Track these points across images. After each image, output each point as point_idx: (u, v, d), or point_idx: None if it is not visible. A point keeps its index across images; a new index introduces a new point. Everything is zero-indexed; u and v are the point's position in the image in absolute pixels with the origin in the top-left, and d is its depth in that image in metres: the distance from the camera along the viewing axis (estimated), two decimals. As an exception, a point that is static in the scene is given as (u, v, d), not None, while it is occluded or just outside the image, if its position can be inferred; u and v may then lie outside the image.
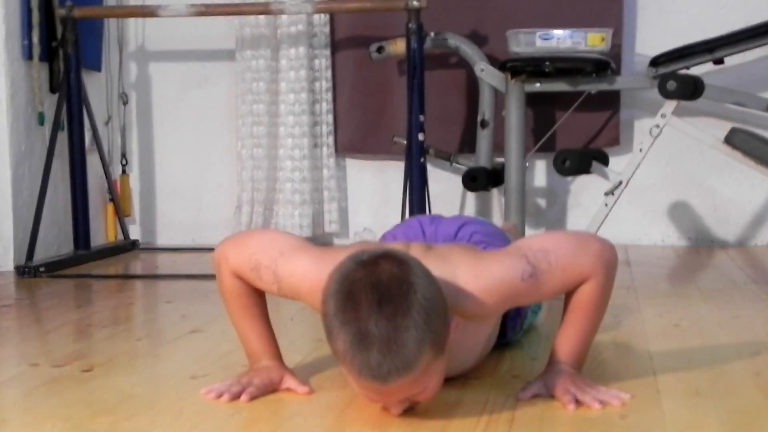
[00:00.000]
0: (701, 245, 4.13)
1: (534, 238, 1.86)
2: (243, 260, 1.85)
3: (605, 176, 3.24)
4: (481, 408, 1.76)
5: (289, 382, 1.86)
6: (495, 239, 2.17)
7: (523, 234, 3.64)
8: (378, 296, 1.51)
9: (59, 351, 2.30)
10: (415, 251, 1.77)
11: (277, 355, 1.92)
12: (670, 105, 3.16)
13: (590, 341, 1.86)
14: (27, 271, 3.48)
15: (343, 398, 1.83)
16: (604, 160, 3.35)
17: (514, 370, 2.03)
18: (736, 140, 3.02)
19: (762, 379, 1.93)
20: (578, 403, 1.74)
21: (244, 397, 1.79)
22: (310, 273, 1.74)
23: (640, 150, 3.24)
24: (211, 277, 3.29)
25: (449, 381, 1.92)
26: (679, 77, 3.13)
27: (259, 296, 1.91)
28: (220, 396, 1.81)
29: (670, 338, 2.35)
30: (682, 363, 2.08)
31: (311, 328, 2.50)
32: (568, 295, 1.83)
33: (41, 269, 3.50)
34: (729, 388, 1.88)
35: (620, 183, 3.21)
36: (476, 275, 1.73)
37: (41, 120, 3.77)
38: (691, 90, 3.12)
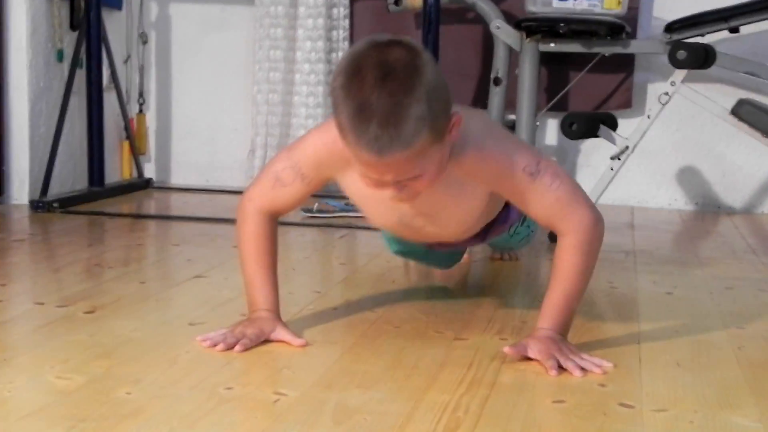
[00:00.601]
0: (707, 211, 4.15)
1: (553, 162, 1.90)
2: (264, 185, 1.93)
3: (612, 141, 3.25)
4: (466, 369, 1.79)
5: (282, 333, 1.91)
6: None
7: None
8: (383, 73, 1.56)
9: (65, 290, 2.34)
10: None
11: (275, 307, 1.96)
12: (680, 73, 3.17)
13: (574, 307, 1.90)
14: (41, 205, 3.54)
15: (333, 354, 1.87)
16: (613, 124, 3.35)
17: (502, 333, 2.07)
18: (742, 112, 3.02)
19: (743, 354, 1.96)
20: (561, 368, 1.79)
21: (238, 348, 1.84)
22: (323, 140, 1.81)
23: (648, 116, 3.24)
24: (219, 220, 3.37)
25: (435, 335, 1.97)
26: (689, 46, 3.12)
27: (273, 243, 1.96)
28: (214, 345, 1.86)
29: (660, 306, 2.37)
30: (668, 333, 2.11)
31: (311, 279, 2.55)
32: (553, 260, 1.88)
33: (55, 204, 3.56)
34: (710, 361, 1.91)
35: (626, 148, 3.23)
36: (490, 135, 1.82)
37: (60, 57, 3.81)
38: (701, 59, 3.12)
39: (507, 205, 2.18)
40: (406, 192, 1.73)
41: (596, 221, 1.86)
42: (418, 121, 1.57)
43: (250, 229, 1.94)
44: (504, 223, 2.26)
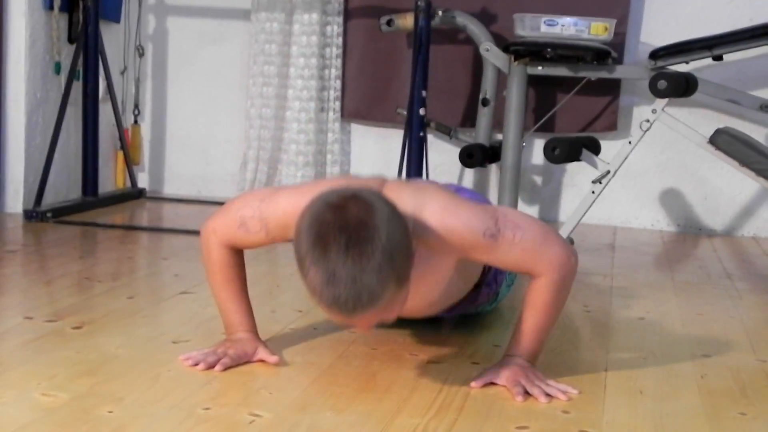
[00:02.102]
0: (689, 232, 4.21)
1: (516, 211, 1.95)
2: (229, 222, 1.95)
3: (594, 165, 3.31)
4: (436, 393, 1.85)
5: (262, 354, 1.97)
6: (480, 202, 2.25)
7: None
8: (345, 239, 1.60)
9: (55, 304, 2.39)
10: (391, 185, 1.87)
11: (253, 328, 2.02)
12: (662, 102, 3.22)
13: (545, 337, 1.95)
14: (35, 215, 3.58)
15: (309, 375, 1.92)
16: (595, 148, 3.42)
17: (475, 357, 2.12)
18: (719, 141, 3.08)
19: (705, 382, 2.01)
20: (527, 395, 1.84)
21: (218, 368, 1.90)
22: (293, 205, 1.81)
23: (630, 142, 3.30)
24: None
25: (409, 358, 2.03)
26: (670, 76, 3.18)
27: (241, 270, 2.02)
28: (196, 364, 1.91)
29: (631, 332, 2.42)
30: (634, 360, 2.16)
31: (295, 297, 2.58)
32: (527, 291, 1.92)
33: (48, 214, 3.60)
34: (672, 389, 1.96)
35: (608, 172, 3.29)
36: (444, 210, 1.83)
37: (57, 69, 3.85)
38: (682, 89, 3.17)
39: (478, 286, 2.24)
40: (372, 327, 1.78)
41: (567, 258, 1.90)
42: (382, 281, 1.61)
43: (216, 260, 1.99)
44: (473, 302, 2.29)
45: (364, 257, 1.60)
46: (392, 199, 1.73)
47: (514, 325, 1.96)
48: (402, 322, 2.36)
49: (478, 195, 2.42)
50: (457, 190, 2.33)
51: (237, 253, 2.01)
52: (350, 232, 1.61)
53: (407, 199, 1.79)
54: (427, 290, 2.00)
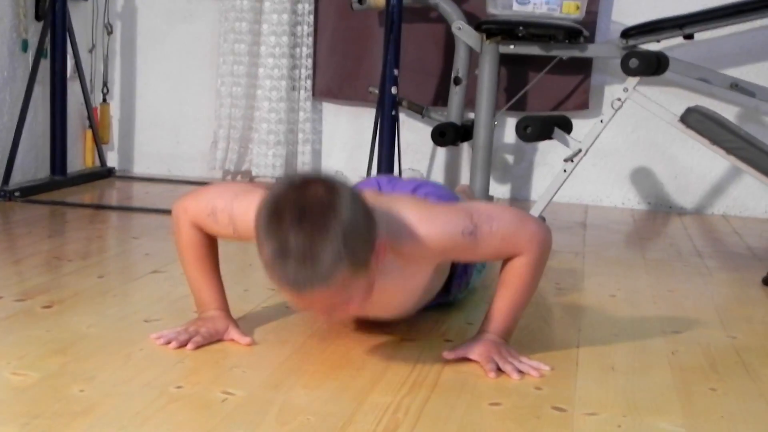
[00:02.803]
0: (659, 210, 4.24)
1: (483, 203, 1.96)
2: (201, 208, 1.94)
3: (566, 143, 3.32)
4: (410, 370, 1.86)
5: (233, 333, 1.97)
6: (448, 200, 2.25)
7: (483, 193, 3.73)
8: (299, 214, 1.58)
9: (24, 283, 2.38)
10: (366, 194, 1.82)
11: (224, 306, 2.02)
12: (633, 80, 3.23)
13: (519, 314, 1.97)
14: (2, 194, 3.56)
15: (282, 353, 1.93)
16: (567, 127, 3.43)
17: (448, 334, 2.13)
18: (690, 120, 3.09)
19: (676, 358, 2.04)
20: (500, 371, 1.85)
21: (189, 346, 1.90)
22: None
23: (601, 121, 3.31)
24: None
25: (384, 329, 2.04)
26: (641, 55, 3.19)
27: (212, 248, 2.01)
28: (168, 343, 1.91)
29: (602, 309, 2.43)
30: (606, 337, 2.18)
31: (265, 278, 2.57)
32: (502, 269, 1.93)
33: (16, 194, 3.58)
34: (644, 365, 1.98)
35: (579, 151, 3.30)
36: (421, 219, 1.81)
37: (25, 47, 3.82)
38: (653, 67, 3.18)
39: (449, 282, 2.24)
40: (334, 316, 1.79)
41: (543, 236, 1.91)
42: (334, 259, 1.58)
43: (187, 238, 1.99)
44: (445, 295, 2.29)
45: (315, 231, 1.58)
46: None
47: (489, 302, 1.96)
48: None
49: (443, 189, 2.40)
50: (419, 185, 2.31)
51: (207, 238, 2.00)
52: (306, 208, 1.59)
53: (381, 212, 1.75)
54: (404, 299, 2.00)
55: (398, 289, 1.94)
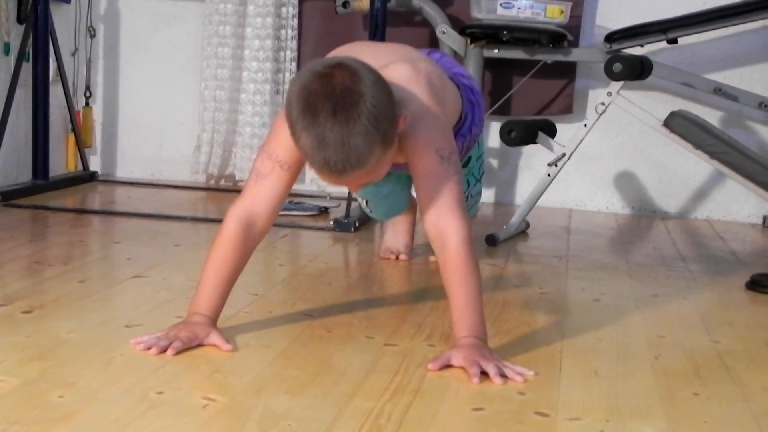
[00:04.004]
0: (643, 215, 4.25)
1: (461, 174, 2.02)
2: (249, 186, 2.00)
3: (550, 148, 3.32)
4: (392, 376, 1.85)
5: (214, 338, 1.94)
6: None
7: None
8: (332, 105, 1.71)
9: (5, 288, 2.35)
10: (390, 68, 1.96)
11: (214, 315, 1.99)
12: (617, 84, 3.24)
13: (480, 306, 1.93)
14: (-16, 198, 3.55)
15: (264, 358, 1.92)
16: (551, 131, 3.43)
17: (431, 339, 2.12)
18: (673, 124, 3.10)
19: (659, 363, 2.03)
20: (484, 375, 1.84)
21: (169, 352, 1.88)
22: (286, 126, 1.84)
23: (585, 125, 3.32)
24: (162, 217, 3.40)
25: (365, 341, 2.03)
26: (625, 59, 3.19)
27: (238, 256, 1.99)
28: (148, 348, 1.89)
29: (586, 314, 2.43)
30: (590, 341, 2.17)
31: (250, 280, 2.57)
32: (443, 276, 1.95)
33: (-3, 198, 3.57)
34: (627, 370, 1.97)
35: (563, 155, 3.30)
36: (427, 113, 1.95)
37: (6, 50, 3.81)
38: (637, 72, 3.19)
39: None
40: (362, 187, 1.86)
41: (467, 235, 1.93)
42: (368, 142, 1.73)
43: (223, 235, 1.98)
44: None
45: (350, 121, 1.70)
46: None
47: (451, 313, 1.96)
48: (363, 297, 2.38)
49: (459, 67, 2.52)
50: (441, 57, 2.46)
51: (246, 235, 1.98)
52: (337, 99, 1.70)
53: (395, 85, 1.87)
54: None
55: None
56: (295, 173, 1.99)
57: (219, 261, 1.99)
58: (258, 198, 1.98)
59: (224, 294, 2.01)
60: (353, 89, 1.72)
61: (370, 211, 2.77)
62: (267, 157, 1.98)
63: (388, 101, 1.78)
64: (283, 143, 1.92)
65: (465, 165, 2.52)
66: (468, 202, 2.59)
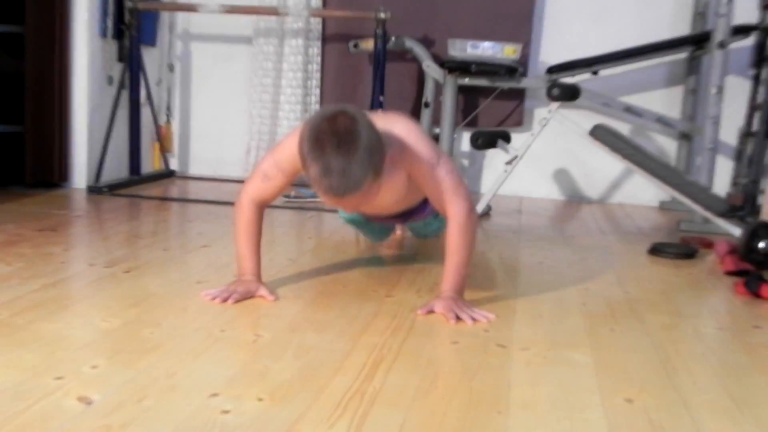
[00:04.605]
0: (573, 200, 4.24)
1: (453, 163, 1.96)
2: (255, 180, 1.96)
3: (506, 151, 3.31)
4: (392, 318, 1.86)
5: (262, 291, 1.96)
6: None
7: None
8: (336, 141, 1.64)
9: (110, 255, 2.37)
10: (373, 116, 1.89)
11: (258, 273, 2.00)
12: (555, 104, 3.23)
13: (465, 273, 1.95)
14: (95, 189, 3.55)
15: (298, 306, 1.92)
16: (507, 139, 3.42)
17: (420, 291, 2.12)
18: (596, 134, 3.09)
19: (586, 308, 2.04)
20: (458, 319, 1.86)
21: (230, 301, 1.89)
22: (293, 143, 1.81)
23: (532, 134, 3.31)
24: (222, 203, 3.40)
25: (372, 294, 2.03)
26: (561, 85, 3.18)
27: (259, 231, 1.99)
28: (213, 299, 1.90)
29: (533, 273, 2.43)
30: (535, 292, 2.18)
31: (287, 249, 2.58)
32: (445, 243, 1.93)
33: (105, 189, 3.56)
34: (563, 313, 1.98)
35: (516, 156, 3.29)
36: (406, 135, 1.88)
37: (110, 81, 3.80)
38: (570, 95, 3.18)
39: (424, 203, 2.24)
40: (355, 208, 1.80)
41: (469, 210, 1.91)
42: (363, 172, 1.64)
43: (244, 217, 1.97)
44: (420, 213, 2.31)
45: (350, 154, 1.63)
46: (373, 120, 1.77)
47: (443, 270, 1.96)
48: (369, 262, 2.38)
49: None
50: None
51: (260, 213, 1.98)
52: (340, 136, 1.64)
53: (380, 123, 1.81)
54: (393, 191, 2.01)
55: (391, 183, 1.96)
56: (293, 177, 1.94)
57: (248, 236, 1.98)
58: (265, 193, 1.96)
59: (259, 258, 2.01)
60: (352, 129, 1.65)
61: (365, 236, 2.70)
62: (274, 164, 1.91)
63: (379, 141, 1.70)
64: (288, 156, 1.87)
65: (436, 216, 2.43)
66: (433, 232, 2.56)
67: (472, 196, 1.95)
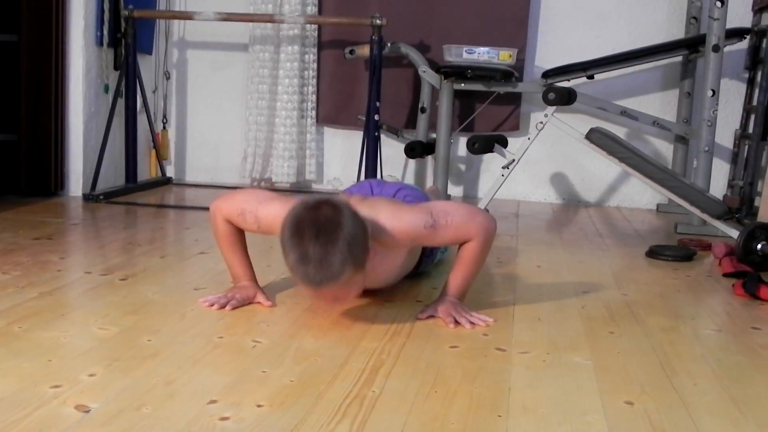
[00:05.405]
0: (571, 204, 4.24)
1: (442, 202, 1.93)
2: (232, 209, 1.91)
3: (503, 155, 3.31)
4: (390, 323, 1.85)
5: (260, 297, 1.95)
6: (420, 200, 2.24)
7: (444, 193, 3.72)
8: (316, 230, 1.59)
9: (107, 262, 2.35)
10: (354, 200, 1.85)
11: (253, 278, 2.00)
12: (551, 108, 3.23)
13: (470, 282, 1.95)
14: (91, 197, 3.53)
15: (296, 311, 1.91)
16: (504, 143, 3.42)
17: (418, 297, 2.12)
18: (592, 137, 3.09)
19: (585, 311, 2.03)
20: (456, 323, 1.85)
21: (228, 307, 1.88)
22: (280, 213, 1.77)
23: (529, 138, 3.31)
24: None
25: (373, 295, 2.02)
26: (557, 89, 3.18)
27: (241, 236, 1.97)
28: (211, 305, 1.89)
29: (532, 277, 2.43)
30: (534, 296, 2.17)
31: (291, 276, 2.57)
32: (459, 249, 1.91)
33: (101, 197, 3.55)
34: (562, 316, 1.97)
35: (513, 160, 3.29)
36: (392, 217, 1.81)
37: (106, 89, 3.79)
38: (565, 99, 3.18)
39: (419, 262, 2.22)
40: (336, 303, 1.77)
41: (488, 224, 1.88)
42: (342, 263, 1.59)
43: (222, 230, 1.94)
44: (416, 269, 2.28)
45: (329, 244, 1.58)
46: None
47: (448, 273, 1.95)
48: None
49: (417, 191, 2.36)
50: (401, 188, 2.28)
51: (237, 230, 1.96)
52: (320, 225, 1.60)
53: (364, 211, 1.75)
54: (385, 274, 1.99)
55: (382, 268, 1.93)
56: (264, 234, 1.90)
57: (232, 246, 1.96)
58: (234, 223, 1.92)
59: (249, 264, 1.99)
60: (334, 220, 1.60)
61: None
62: (254, 216, 1.86)
63: (362, 233, 1.64)
64: (270, 222, 1.83)
65: (432, 262, 2.37)
66: (440, 255, 2.49)
67: (481, 213, 1.90)
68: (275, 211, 1.83)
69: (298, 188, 4.29)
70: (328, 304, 1.77)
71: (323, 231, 1.59)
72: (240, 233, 1.97)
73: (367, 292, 2.07)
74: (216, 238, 1.99)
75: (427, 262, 2.29)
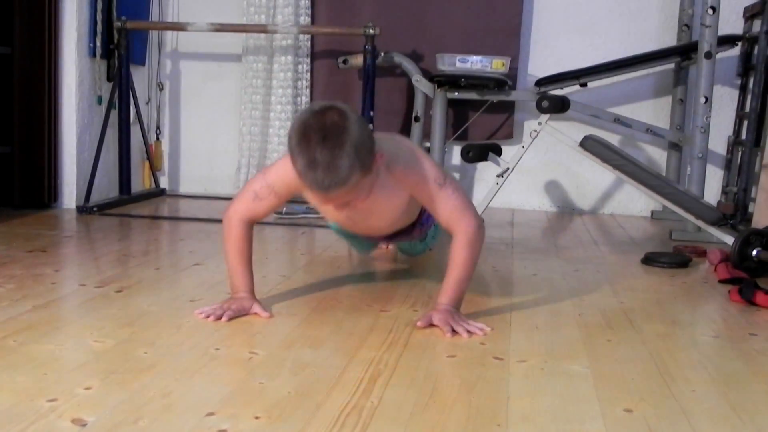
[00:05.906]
0: (565, 212, 4.24)
1: (456, 181, 1.97)
2: (245, 199, 1.93)
3: (498, 164, 3.31)
4: (387, 333, 1.84)
5: (256, 308, 1.94)
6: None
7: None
8: (322, 135, 1.61)
9: (101, 275, 2.34)
10: (379, 135, 1.87)
11: (251, 290, 1.99)
12: (545, 116, 3.23)
13: (464, 287, 1.94)
14: (84, 209, 3.52)
15: (293, 322, 1.91)
16: (498, 152, 3.42)
17: (415, 305, 2.11)
18: (586, 145, 3.09)
19: (582, 319, 2.03)
20: (454, 332, 1.84)
21: (224, 319, 1.87)
22: (287, 167, 1.78)
23: (523, 146, 3.31)
24: (213, 221, 3.38)
25: (367, 309, 2.02)
26: (550, 97, 3.19)
27: (250, 246, 1.98)
28: (207, 317, 1.88)
29: (527, 284, 2.43)
30: (531, 304, 2.17)
31: (280, 265, 2.56)
32: (450, 255, 1.92)
33: (94, 209, 3.54)
34: (558, 324, 1.97)
35: (507, 169, 3.29)
36: (412, 157, 1.88)
37: (99, 101, 3.78)
38: (559, 107, 3.18)
39: (414, 224, 2.24)
40: (344, 207, 1.79)
41: (478, 227, 1.91)
42: (349, 166, 1.63)
43: (234, 234, 1.95)
44: (408, 235, 2.31)
45: (336, 148, 1.60)
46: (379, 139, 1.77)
47: (443, 280, 1.95)
48: (363, 277, 2.36)
49: None
50: None
51: (250, 230, 1.96)
52: (326, 130, 1.62)
53: (388, 144, 1.81)
54: (389, 210, 2.01)
55: (385, 202, 1.95)
56: (286, 198, 1.93)
57: (239, 253, 1.96)
58: (255, 212, 1.94)
59: (251, 274, 1.99)
60: (340, 124, 1.62)
61: (352, 247, 2.68)
62: (266, 185, 1.89)
63: (368, 137, 1.67)
64: (282, 177, 1.86)
65: (424, 239, 2.45)
66: (431, 242, 2.56)
67: (476, 214, 1.93)
68: (282, 168, 1.86)
69: (292, 199, 4.27)
70: (336, 209, 1.78)
71: (330, 135, 1.61)
72: (250, 243, 1.96)
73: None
74: (225, 243, 1.97)
75: (420, 231, 2.31)
